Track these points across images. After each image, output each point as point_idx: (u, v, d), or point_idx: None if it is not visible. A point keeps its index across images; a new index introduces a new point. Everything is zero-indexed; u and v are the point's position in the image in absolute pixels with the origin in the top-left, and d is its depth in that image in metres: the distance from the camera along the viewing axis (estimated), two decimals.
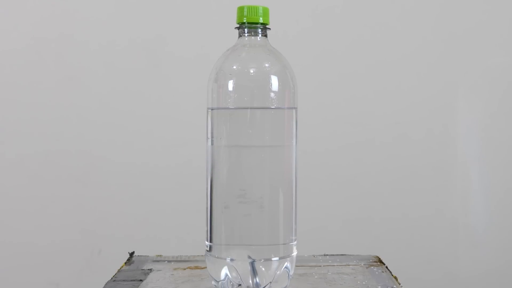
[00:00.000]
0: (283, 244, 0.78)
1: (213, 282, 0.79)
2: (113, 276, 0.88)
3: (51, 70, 1.44)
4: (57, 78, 1.44)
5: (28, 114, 1.43)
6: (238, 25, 0.80)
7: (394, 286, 0.82)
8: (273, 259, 0.77)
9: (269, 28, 0.80)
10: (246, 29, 0.79)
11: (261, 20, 0.79)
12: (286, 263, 0.78)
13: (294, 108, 0.80)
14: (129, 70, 1.45)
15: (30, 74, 1.44)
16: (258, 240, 0.77)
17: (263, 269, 0.76)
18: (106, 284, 0.84)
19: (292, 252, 0.79)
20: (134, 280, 0.86)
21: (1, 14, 1.44)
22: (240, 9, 0.79)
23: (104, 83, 1.44)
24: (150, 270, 0.91)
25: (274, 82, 0.77)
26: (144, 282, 0.85)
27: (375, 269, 0.91)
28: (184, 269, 0.92)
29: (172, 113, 1.45)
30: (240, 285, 0.76)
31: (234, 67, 0.78)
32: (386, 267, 0.93)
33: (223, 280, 0.77)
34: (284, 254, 0.78)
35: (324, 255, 0.99)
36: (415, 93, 1.48)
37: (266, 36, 0.80)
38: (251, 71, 0.78)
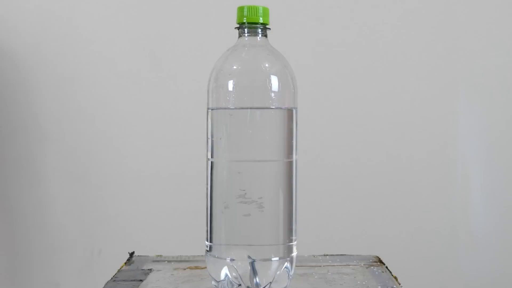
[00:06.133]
0: (283, 244, 0.78)
1: (213, 282, 0.79)
2: (113, 276, 0.88)
3: (50, 69, 1.44)
4: (55, 78, 1.44)
5: (27, 114, 1.43)
6: (238, 25, 0.80)
7: (394, 286, 0.82)
8: (273, 259, 0.77)
9: (269, 28, 0.80)
10: (246, 29, 0.79)
11: (261, 20, 0.79)
12: (286, 263, 0.78)
13: (294, 108, 0.80)
14: (129, 70, 1.44)
15: (28, 74, 1.44)
16: (258, 240, 0.77)
17: (263, 269, 0.76)
18: (106, 284, 0.84)
19: (292, 252, 0.79)
20: (134, 280, 0.86)
21: None
22: (240, 9, 0.79)
23: (103, 83, 1.44)
24: (150, 270, 0.91)
25: (274, 82, 0.77)
26: (144, 282, 0.85)
27: (375, 269, 0.91)
28: (184, 269, 0.92)
29: (172, 113, 1.45)
30: (240, 285, 0.76)
31: (234, 67, 0.78)
32: (386, 267, 0.93)
33: (223, 280, 0.77)
34: (284, 254, 0.78)
35: (324, 255, 0.99)
36: (415, 93, 1.48)
37: (266, 36, 0.80)
38: (251, 71, 0.78)
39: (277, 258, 0.77)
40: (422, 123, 1.48)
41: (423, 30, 1.48)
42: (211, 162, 0.79)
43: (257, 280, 0.76)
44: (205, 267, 0.82)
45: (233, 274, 0.76)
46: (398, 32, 1.47)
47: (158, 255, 1.00)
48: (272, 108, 0.77)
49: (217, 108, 0.78)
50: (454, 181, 1.49)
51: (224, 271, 0.77)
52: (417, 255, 1.48)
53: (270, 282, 0.76)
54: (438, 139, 1.48)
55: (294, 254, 0.80)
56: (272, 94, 0.77)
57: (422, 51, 1.48)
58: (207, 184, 0.80)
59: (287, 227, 0.79)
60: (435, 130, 1.48)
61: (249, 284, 0.76)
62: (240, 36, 0.80)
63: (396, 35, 1.47)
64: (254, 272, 0.76)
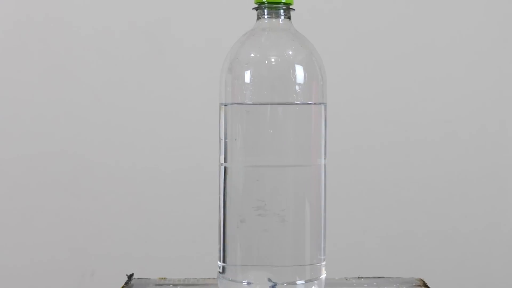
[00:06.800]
0: (310, 264, 0.78)
1: None
2: None
3: (36, 59, 1.45)
4: (42, 69, 1.45)
5: (9, 112, 1.44)
6: (256, 5, 0.80)
7: None
8: (298, 282, 0.77)
9: (293, 9, 0.80)
10: (266, 10, 0.79)
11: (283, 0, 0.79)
12: (313, 287, 0.78)
13: (323, 103, 0.80)
14: (128, 59, 1.45)
15: (11, 64, 1.45)
16: (280, 261, 0.77)
17: None
18: None
19: (320, 274, 0.79)
20: None
21: None
22: None
23: (98, 74, 1.45)
24: None
25: (299, 72, 0.77)
26: None
27: None
28: None
29: (179, 109, 1.45)
30: None
31: (252, 55, 0.79)
32: None
33: None
34: (310, 276, 0.78)
35: (359, 277, 0.99)
36: (466, 84, 1.47)
37: (289, 18, 0.80)
38: (272, 60, 0.78)
39: (302, 282, 0.77)
40: (474, 120, 1.47)
41: (479, 13, 1.47)
42: (225, 167, 0.79)
43: None
44: None
45: None
46: (449, 12, 1.47)
47: (162, 278, 1.00)
48: (296, 104, 0.77)
49: (231, 104, 0.78)
50: (507, 195, 1.49)
51: None
52: (469, 278, 1.47)
53: None
54: (493, 139, 1.48)
55: (323, 276, 0.79)
56: (297, 87, 0.77)
57: (474, 35, 1.47)
58: (219, 193, 0.80)
59: (314, 245, 0.79)
60: (489, 128, 1.48)
61: None
62: (258, 18, 0.80)
63: (446, 15, 1.47)
64: None
